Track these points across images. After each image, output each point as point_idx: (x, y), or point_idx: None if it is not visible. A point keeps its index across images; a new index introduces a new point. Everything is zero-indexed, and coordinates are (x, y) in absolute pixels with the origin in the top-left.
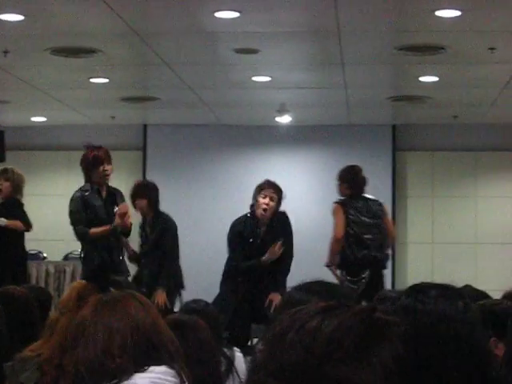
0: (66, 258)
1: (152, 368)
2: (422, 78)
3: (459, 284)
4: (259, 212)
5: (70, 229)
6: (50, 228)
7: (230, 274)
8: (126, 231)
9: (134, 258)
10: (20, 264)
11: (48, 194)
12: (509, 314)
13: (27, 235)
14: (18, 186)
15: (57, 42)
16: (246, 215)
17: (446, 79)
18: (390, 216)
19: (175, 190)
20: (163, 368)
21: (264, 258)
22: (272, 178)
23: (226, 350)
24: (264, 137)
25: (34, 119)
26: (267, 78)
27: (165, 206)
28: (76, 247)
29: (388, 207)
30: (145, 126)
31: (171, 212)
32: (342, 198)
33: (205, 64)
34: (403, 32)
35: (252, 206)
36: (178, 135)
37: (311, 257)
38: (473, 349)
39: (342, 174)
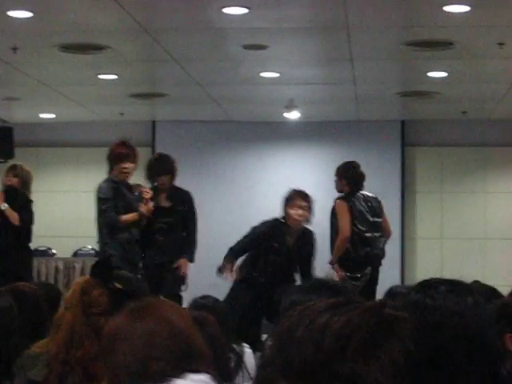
0: (75, 254)
1: (192, 375)
2: (430, 74)
3: (468, 279)
4: (295, 223)
5: (79, 225)
6: (59, 224)
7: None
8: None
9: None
10: (24, 260)
11: (56, 191)
12: None
13: (36, 232)
14: (26, 183)
15: (65, 39)
16: (275, 219)
17: (454, 75)
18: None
19: (184, 186)
20: (202, 376)
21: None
22: (280, 174)
23: (235, 345)
24: (272, 133)
25: (43, 116)
26: (276, 74)
27: None
28: (85, 243)
29: (397, 203)
30: (153, 123)
31: None
32: (343, 194)
33: (213, 60)
34: (412, 27)
35: (283, 219)
36: (186, 131)
37: (321, 252)
38: (483, 344)
39: (340, 170)
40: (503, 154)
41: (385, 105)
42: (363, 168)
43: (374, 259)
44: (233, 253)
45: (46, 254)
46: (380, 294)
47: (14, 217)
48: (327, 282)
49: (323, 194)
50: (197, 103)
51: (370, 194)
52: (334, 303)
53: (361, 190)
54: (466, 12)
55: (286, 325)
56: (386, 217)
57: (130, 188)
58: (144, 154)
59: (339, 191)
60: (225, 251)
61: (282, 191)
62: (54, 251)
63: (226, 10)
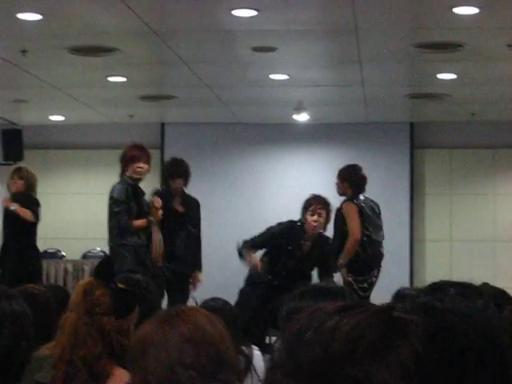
0: (85, 256)
1: None
2: (439, 76)
3: (477, 282)
4: (310, 228)
5: (88, 227)
6: (68, 227)
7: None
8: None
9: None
10: (33, 262)
11: (66, 193)
12: None
13: (45, 234)
14: (31, 185)
15: (75, 41)
16: (292, 222)
17: (463, 76)
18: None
19: (192, 188)
20: None
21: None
22: (289, 176)
23: (244, 348)
24: (281, 135)
25: (52, 118)
26: (285, 76)
27: None
28: (94, 245)
29: (406, 205)
30: (162, 125)
31: None
32: (349, 196)
33: (222, 62)
34: (421, 29)
35: (302, 224)
36: (195, 133)
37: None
38: (492, 347)
39: (342, 173)
40: None
41: (394, 107)
42: (372, 170)
43: (380, 260)
44: (249, 244)
45: (55, 256)
46: (388, 296)
47: (27, 213)
48: (323, 287)
49: (332, 197)
50: (206, 105)
51: (369, 197)
52: (343, 306)
53: (363, 192)
54: (475, 14)
55: (295, 327)
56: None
57: (142, 191)
58: (153, 156)
59: (341, 194)
60: (233, 253)
61: (291, 193)
62: (63, 253)
63: (235, 13)
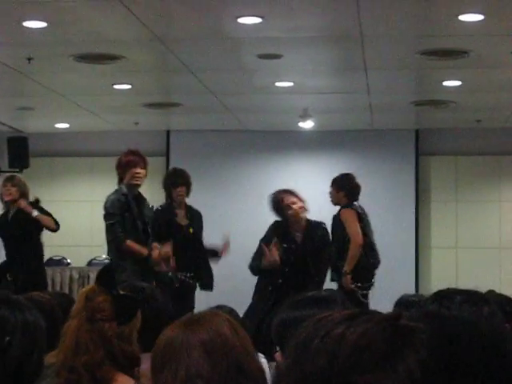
0: (90, 263)
1: None
2: (445, 83)
3: (483, 289)
4: (295, 218)
5: (94, 235)
6: (74, 234)
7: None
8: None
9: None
10: (39, 270)
11: (71, 200)
12: None
13: (51, 241)
14: (24, 193)
15: (80, 49)
16: (277, 221)
17: (469, 83)
18: None
19: (198, 196)
20: None
21: (263, 264)
22: (295, 184)
23: None
24: (287, 142)
25: (58, 125)
26: (290, 84)
27: None
28: (99, 253)
29: (411, 212)
30: (168, 132)
31: None
32: (345, 204)
33: (228, 70)
34: (426, 36)
35: (286, 220)
36: (201, 141)
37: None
38: (499, 354)
39: (338, 182)
40: None
41: (399, 114)
42: (378, 177)
43: (378, 267)
44: (256, 269)
45: (60, 263)
46: (392, 302)
47: (49, 221)
48: (315, 296)
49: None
50: (211, 113)
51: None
52: (349, 314)
53: (357, 201)
54: (480, 21)
55: (301, 336)
56: None
57: (141, 198)
58: (158, 164)
59: (336, 203)
60: (239, 261)
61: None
62: (68, 260)
63: (241, 20)
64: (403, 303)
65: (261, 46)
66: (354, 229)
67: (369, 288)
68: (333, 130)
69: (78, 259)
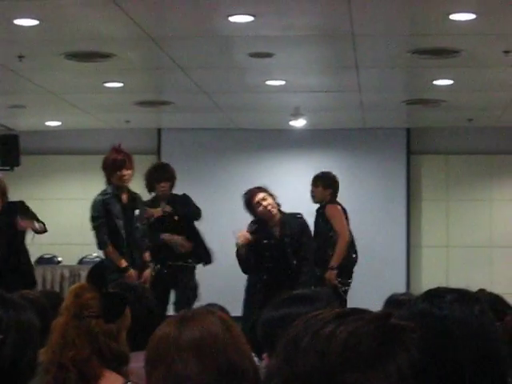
0: (81, 262)
1: None
2: (436, 82)
3: (474, 287)
4: (268, 215)
5: (85, 233)
6: (65, 232)
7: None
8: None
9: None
10: (26, 269)
11: (62, 198)
12: None
13: (42, 239)
14: (4, 192)
15: (71, 47)
16: (253, 221)
17: (460, 82)
18: None
19: (189, 194)
20: None
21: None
22: (286, 182)
23: None
24: (278, 141)
25: (49, 123)
26: (281, 82)
27: None
28: (91, 251)
29: (403, 210)
30: (159, 130)
31: None
32: (332, 200)
33: (219, 68)
34: (418, 35)
35: (255, 216)
36: (192, 139)
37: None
38: (489, 353)
39: (325, 181)
40: (509, 161)
41: (390, 113)
42: (369, 176)
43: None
44: (244, 265)
45: (51, 261)
46: (383, 301)
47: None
48: (301, 295)
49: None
50: (202, 111)
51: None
52: (339, 313)
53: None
54: (471, 20)
55: (291, 335)
56: None
57: (132, 197)
58: (149, 162)
59: (319, 201)
60: (230, 259)
61: (288, 199)
62: (59, 259)
63: (232, 19)
64: (393, 302)
65: (252, 44)
66: (342, 225)
67: (349, 284)
68: (324, 129)
69: (69, 257)
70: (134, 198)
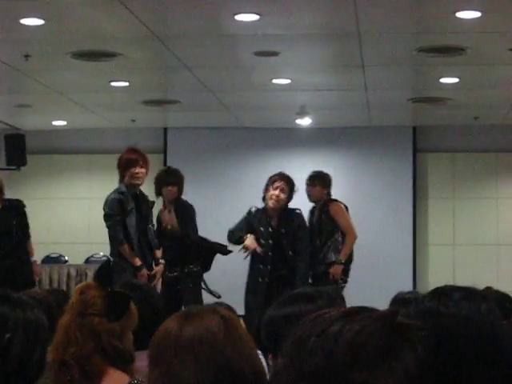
0: (88, 261)
1: None
2: (442, 80)
3: (480, 285)
4: (270, 203)
5: (92, 232)
6: (72, 231)
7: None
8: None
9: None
10: (26, 269)
11: (69, 198)
12: None
13: (48, 239)
14: (2, 189)
15: (77, 46)
16: (257, 209)
17: (466, 80)
18: None
19: (195, 193)
20: None
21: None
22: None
23: None
24: (284, 139)
25: (55, 123)
26: (287, 81)
27: None
28: (97, 250)
29: (409, 209)
30: (165, 129)
31: None
32: (329, 199)
33: (225, 67)
34: (423, 33)
35: (263, 199)
36: (198, 138)
37: None
38: (497, 352)
39: (324, 180)
40: None
41: (396, 111)
42: (375, 174)
43: None
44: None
45: (58, 260)
46: (389, 300)
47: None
48: (302, 293)
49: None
50: (208, 110)
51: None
52: (346, 312)
53: None
54: (477, 18)
55: (297, 334)
56: None
57: (142, 196)
58: (156, 161)
59: (316, 200)
60: (237, 258)
61: (294, 197)
62: (66, 258)
63: (238, 17)
64: (399, 300)
65: (258, 43)
66: (348, 222)
67: (347, 282)
68: (330, 127)
69: (75, 257)
70: (144, 199)
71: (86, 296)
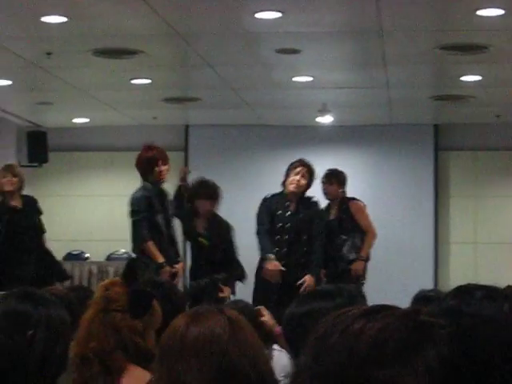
0: (109, 258)
1: None
2: (464, 78)
3: (502, 284)
4: (290, 187)
5: (112, 229)
6: (93, 228)
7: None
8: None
9: None
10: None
11: (90, 195)
12: None
13: (70, 236)
14: (23, 183)
15: (99, 44)
16: (272, 194)
17: (488, 78)
18: None
19: None
20: None
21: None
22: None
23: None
24: (305, 137)
25: (77, 120)
26: (309, 78)
27: None
28: (118, 247)
29: (430, 207)
30: (186, 127)
31: None
32: (347, 197)
33: (246, 64)
34: (445, 31)
35: (283, 184)
36: (219, 135)
37: None
38: None
39: (340, 178)
40: None
41: (418, 109)
42: (396, 172)
43: None
44: (264, 231)
45: (79, 257)
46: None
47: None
48: (322, 290)
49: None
50: (230, 107)
51: None
52: (368, 309)
53: None
54: (499, 16)
55: (319, 332)
56: None
57: (164, 193)
58: (177, 159)
59: (333, 198)
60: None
61: (315, 194)
62: (87, 255)
63: (260, 15)
64: (421, 298)
65: (279, 40)
66: (368, 221)
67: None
68: (351, 125)
69: (96, 253)
70: (167, 195)
71: (110, 292)
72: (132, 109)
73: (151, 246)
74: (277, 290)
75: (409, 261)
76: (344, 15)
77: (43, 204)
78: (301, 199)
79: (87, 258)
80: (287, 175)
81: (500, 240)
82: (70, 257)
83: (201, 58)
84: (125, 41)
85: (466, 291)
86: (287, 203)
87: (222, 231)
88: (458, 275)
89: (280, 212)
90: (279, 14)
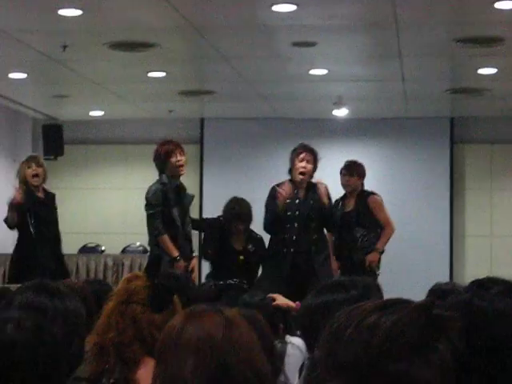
0: (124, 251)
1: None
2: (480, 71)
3: None
4: (298, 176)
5: (128, 222)
6: (108, 221)
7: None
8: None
9: None
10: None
11: (105, 188)
12: None
13: (85, 228)
14: (46, 174)
15: (115, 37)
16: (283, 182)
17: (504, 71)
18: None
19: (232, 183)
20: None
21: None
22: (329, 172)
23: (278, 342)
24: (321, 130)
25: (92, 113)
26: (324, 71)
27: (221, 201)
28: (134, 240)
29: (446, 200)
30: (202, 120)
31: None
32: (368, 191)
33: (262, 57)
34: (462, 24)
35: (290, 171)
36: (235, 128)
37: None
38: None
39: (360, 171)
40: None
41: (434, 102)
42: (412, 165)
43: None
44: (272, 219)
45: (95, 250)
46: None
47: None
48: (335, 282)
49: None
50: (245, 100)
51: None
52: (382, 303)
53: None
54: None
55: (334, 326)
56: None
57: (183, 188)
58: (192, 151)
59: (352, 190)
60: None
61: (331, 187)
62: (103, 248)
63: (275, 8)
64: (436, 291)
65: (295, 33)
66: (387, 215)
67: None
68: (367, 118)
69: (112, 246)
70: (184, 190)
71: (132, 284)
72: (147, 102)
73: (165, 240)
74: (285, 279)
75: (424, 254)
76: (360, 8)
77: (58, 197)
78: (309, 185)
79: (103, 251)
80: (292, 163)
81: None
82: (85, 250)
83: (216, 51)
84: (141, 34)
85: (482, 285)
86: (296, 190)
87: (259, 249)
88: (473, 268)
89: (289, 200)
90: (295, 7)
